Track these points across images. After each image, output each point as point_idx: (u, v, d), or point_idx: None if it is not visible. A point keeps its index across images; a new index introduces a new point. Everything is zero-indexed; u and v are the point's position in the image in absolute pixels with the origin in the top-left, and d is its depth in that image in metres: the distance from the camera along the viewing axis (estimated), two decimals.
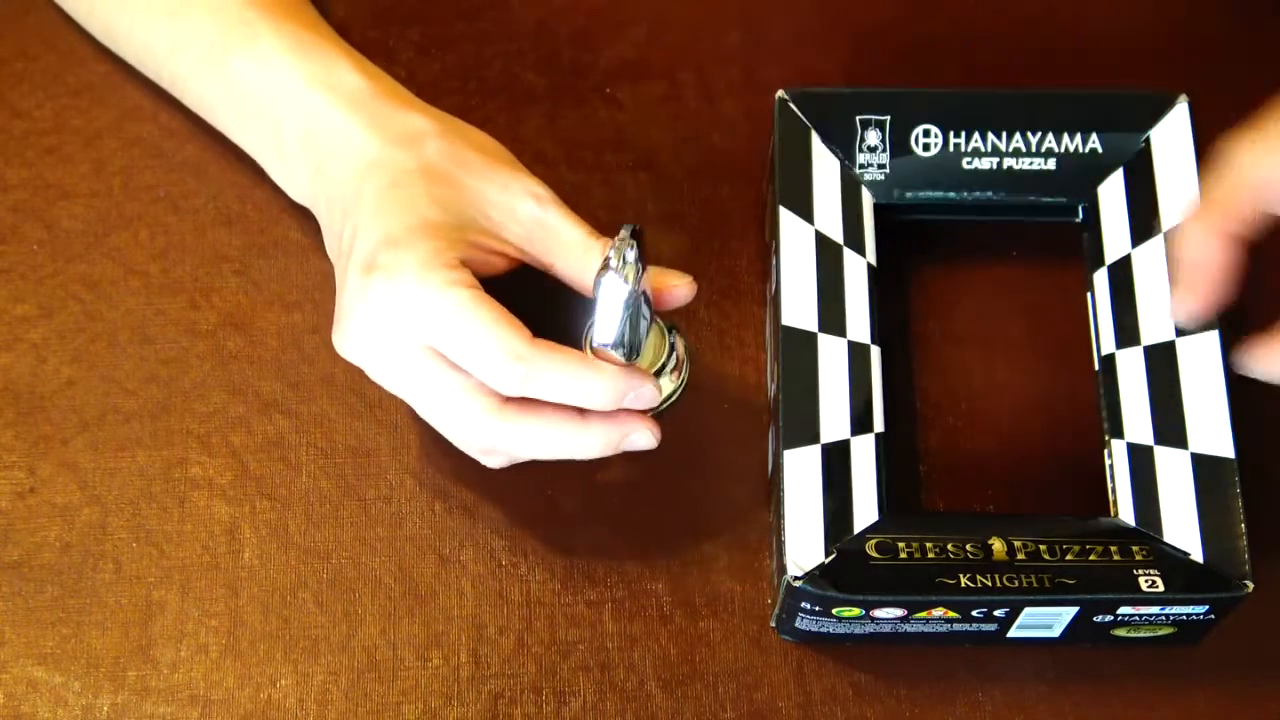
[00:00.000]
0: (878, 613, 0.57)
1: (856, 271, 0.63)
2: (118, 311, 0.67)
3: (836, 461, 0.59)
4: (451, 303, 0.55)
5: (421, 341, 0.56)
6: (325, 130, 0.60)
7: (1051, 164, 0.65)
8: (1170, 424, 0.60)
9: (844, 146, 0.65)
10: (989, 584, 0.56)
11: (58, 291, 0.67)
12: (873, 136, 0.65)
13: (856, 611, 0.57)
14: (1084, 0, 0.74)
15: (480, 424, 0.57)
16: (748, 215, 0.69)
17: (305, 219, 0.68)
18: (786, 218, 0.63)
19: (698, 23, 0.73)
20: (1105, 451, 0.62)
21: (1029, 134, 0.65)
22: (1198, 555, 0.57)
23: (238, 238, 0.68)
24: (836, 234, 0.63)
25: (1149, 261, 0.63)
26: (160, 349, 0.66)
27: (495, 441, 0.57)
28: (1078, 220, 0.67)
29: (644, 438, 0.58)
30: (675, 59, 0.72)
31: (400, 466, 0.64)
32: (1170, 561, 0.57)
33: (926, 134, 0.65)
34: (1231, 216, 0.57)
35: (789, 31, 0.73)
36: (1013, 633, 0.59)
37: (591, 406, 0.56)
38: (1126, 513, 0.60)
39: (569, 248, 0.59)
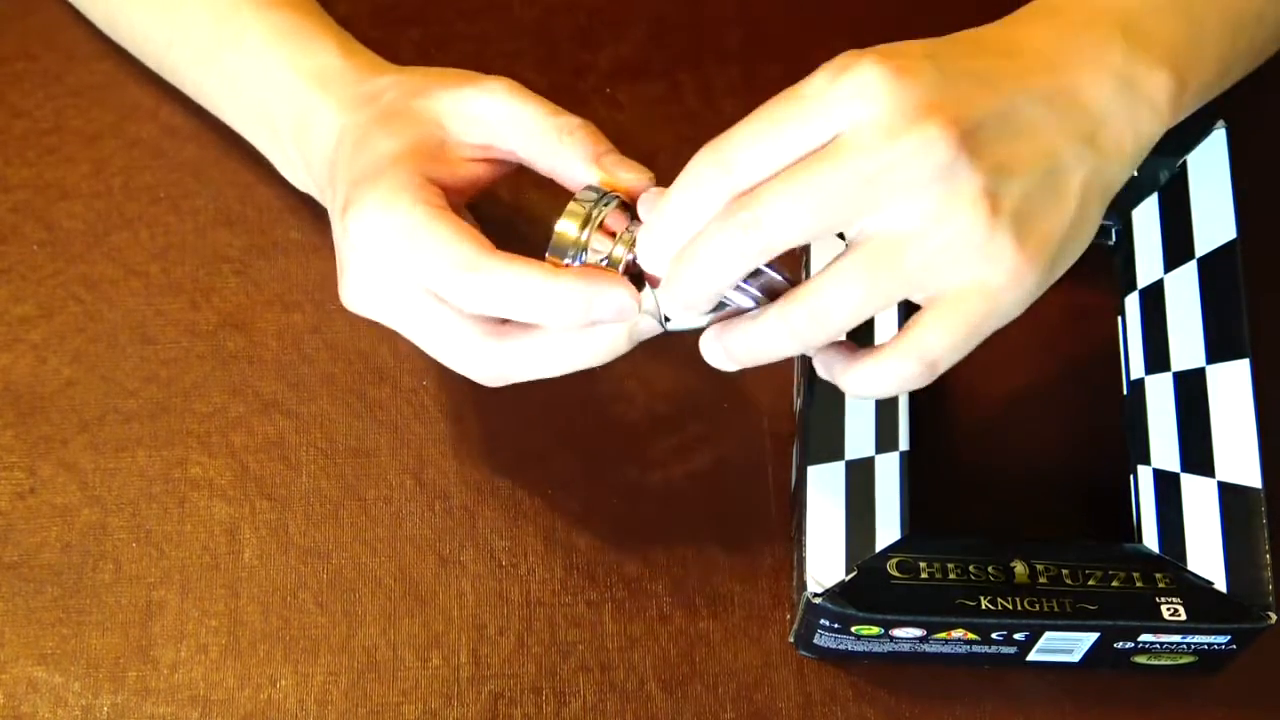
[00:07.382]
0: (897, 632, 0.57)
1: None
2: (118, 311, 0.67)
3: (860, 479, 0.59)
4: (411, 222, 0.54)
5: (402, 272, 0.55)
6: (313, 120, 0.60)
7: None
8: (1198, 451, 0.59)
9: None
10: (1010, 607, 0.56)
11: (58, 291, 0.67)
12: None
13: (876, 630, 0.57)
14: None
15: (475, 350, 0.56)
16: None
17: (305, 219, 0.68)
18: None
19: (698, 23, 0.73)
20: (1131, 477, 0.61)
21: None
22: (1221, 585, 0.57)
23: (238, 238, 0.68)
24: None
25: (1182, 287, 0.62)
26: (160, 349, 0.66)
27: (492, 367, 0.56)
28: (1110, 243, 0.66)
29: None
30: (675, 59, 0.72)
31: (400, 466, 0.64)
32: (1193, 590, 0.57)
33: None
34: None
35: (789, 31, 0.73)
36: (1032, 656, 0.59)
37: (556, 323, 0.53)
38: (1151, 539, 0.59)
39: (533, 135, 0.57)
